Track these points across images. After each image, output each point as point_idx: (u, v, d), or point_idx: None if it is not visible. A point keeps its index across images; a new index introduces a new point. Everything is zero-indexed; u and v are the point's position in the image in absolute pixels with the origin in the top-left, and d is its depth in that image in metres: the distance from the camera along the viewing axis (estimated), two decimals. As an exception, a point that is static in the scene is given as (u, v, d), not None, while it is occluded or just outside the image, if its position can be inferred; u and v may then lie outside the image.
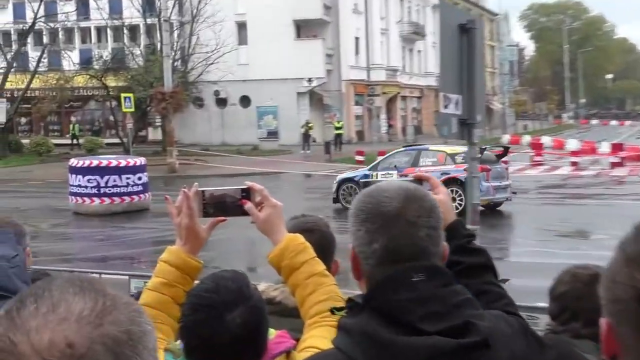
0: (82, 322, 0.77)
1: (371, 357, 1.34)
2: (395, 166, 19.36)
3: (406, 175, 15.19)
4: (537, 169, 30.48)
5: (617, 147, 31.63)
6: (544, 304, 2.91)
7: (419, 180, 2.03)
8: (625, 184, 24.85)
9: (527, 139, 44.51)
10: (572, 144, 36.31)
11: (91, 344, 0.76)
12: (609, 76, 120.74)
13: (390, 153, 21.77)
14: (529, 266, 11.20)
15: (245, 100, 43.52)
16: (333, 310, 2.10)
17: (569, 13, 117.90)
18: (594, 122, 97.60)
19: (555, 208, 19.75)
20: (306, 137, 38.26)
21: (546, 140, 40.33)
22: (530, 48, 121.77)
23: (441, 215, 1.54)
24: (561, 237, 15.42)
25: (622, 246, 1.01)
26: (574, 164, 30.34)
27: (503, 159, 19.24)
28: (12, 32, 43.01)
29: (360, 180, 19.00)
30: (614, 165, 29.24)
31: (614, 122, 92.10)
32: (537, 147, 34.40)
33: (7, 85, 37.79)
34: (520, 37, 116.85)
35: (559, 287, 2.45)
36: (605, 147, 34.02)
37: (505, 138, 48.46)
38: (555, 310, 2.43)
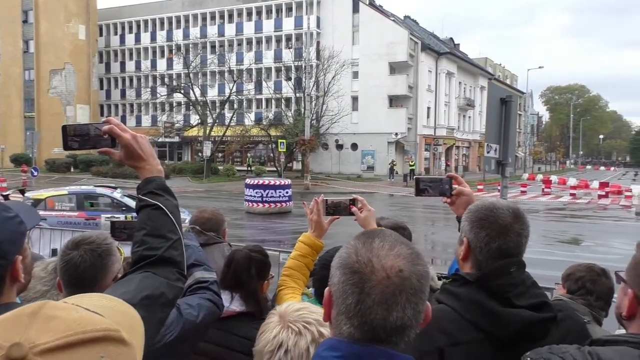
0: (407, 259, 0.88)
1: (479, 319, 1.34)
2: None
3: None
4: (546, 197, 29.00)
5: (603, 185, 30.36)
6: (548, 285, 2.80)
7: (450, 178, 2.03)
8: (608, 209, 23.55)
9: (540, 177, 42.93)
10: (572, 181, 34.96)
11: (411, 273, 0.87)
12: (601, 137, 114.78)
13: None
14: (538, 261, 10.55)
15: (354, 146, 43.64)
16: (440, 278, 2.14)
17: (575, 93, 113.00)
18: (588, 167, 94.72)
19: (557, 223, 18.63)
20: (391, 170, 38.05)
21: (553, 178, 38.54)
22: (546, 116, 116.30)
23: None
24: (560, 243, 14.60)
25: None
26: (572, 194, 29.04)
27: None
28: (217, 101, 45.14)
29: None
30: (600, 196, 28.09)
31: (602, 168, 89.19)
32: (546, 182, 32.84)
33: (212, 133, 39.37)
34: (539, 108, 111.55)
35: (577, 274, 2.38)
36: (595, 184, 32.86)
37: (525, 175, 46.79)
38: (573, 287, 2.34)
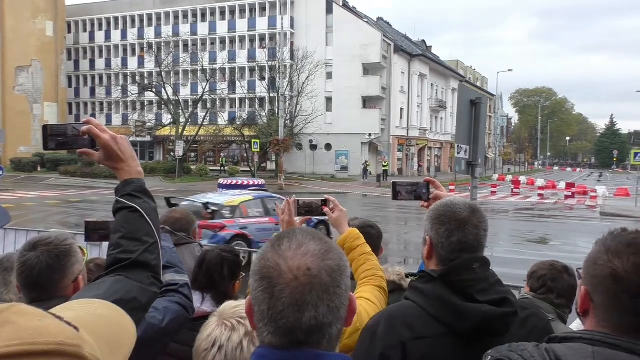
0: (315, 256, 0.86)
1: (442, 314, 1.38)
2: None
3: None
4: (515, 197, 29.63)
5: (570, 185, 31.30)
6: (516, 284, 2.94)
7: (428, 182, 2.04)
8: (574, 209, 24.17)
9: (509, 177, 43.81)
10: (540, 182, 35.86)
11: (319, 270, 0.85)
12: (568, 138, 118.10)
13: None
14: (507, 260, 10.81)
15: (328, 146, 43.74)
16: (408, 276, 2.16)
17: (543, 96, 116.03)
18: (556, 168, 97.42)
19: (526, 223, 19.06)
20: (365, 171, 38.28)
21: (522, 179, 39.47)
22: (515, 118, 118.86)
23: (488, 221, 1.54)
24: (529, 242, 14.94)
25: (603, 242, 1.09)
26: (540, 195, 29.73)
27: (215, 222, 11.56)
28: (189, 100, 44.61)
29: None
30: (567, 197, 28.78)
31: (569, 169, 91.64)
32: (516, 183, 33.63)
33: (185, 133, 38.85)
34: (509, 110, 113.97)
35: (539, 272, 2.41)
36: (562, 185, 33.95)
37: (495, 176, 47.73)
38: (536, 285, 2.38)
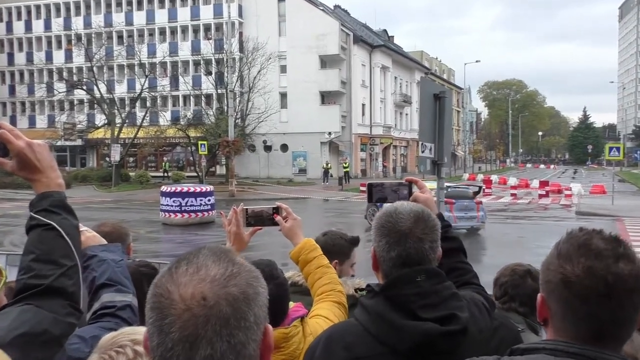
0: (214, 283, 0.79)
1: (381, 332, 1.38)
2: None
3: None
4: (487, 198, 30.33)
5: (543, 184, 32.37)
6: (488, 292, 2.90)
7: (409, 182, 2.00)
8: (549, 209, 25.02)
9: (480, 176, 45.08)
10: (512, 181, 36.93)
11: (218, 299, 0.78)
12: (540, 133, 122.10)
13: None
14: (479, 266, 11.05)
15: (284, 147, 43.71)
16: (357, 291, 2.16)
17: (513, 88, 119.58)
18: (528, 165, 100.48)
19: (499, 225, 19.58)
20: (326, 173, 38.48)
21: (494, 177, 40.56)
22: (484, 113, 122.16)
23: (439, 229, 1.53)
24: (502, 246, 15.38)
25: (557, 245, 1.10)
26: (513, 194, 30.62)
27: (477, 198, 17.65)
28: (126, 98, 43.62)
29: None
30: (541, 196, 29.63)
31: (542, 166, 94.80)
32: (487, 182, 34.40)
33: (121, 135, 38.01)
34: (478, 104, 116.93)
35: (501, 278, 2.44)
36: (535, 183, 34.81)
37: (465, 176, 48.79)
38: (498, 294, 2.41)
